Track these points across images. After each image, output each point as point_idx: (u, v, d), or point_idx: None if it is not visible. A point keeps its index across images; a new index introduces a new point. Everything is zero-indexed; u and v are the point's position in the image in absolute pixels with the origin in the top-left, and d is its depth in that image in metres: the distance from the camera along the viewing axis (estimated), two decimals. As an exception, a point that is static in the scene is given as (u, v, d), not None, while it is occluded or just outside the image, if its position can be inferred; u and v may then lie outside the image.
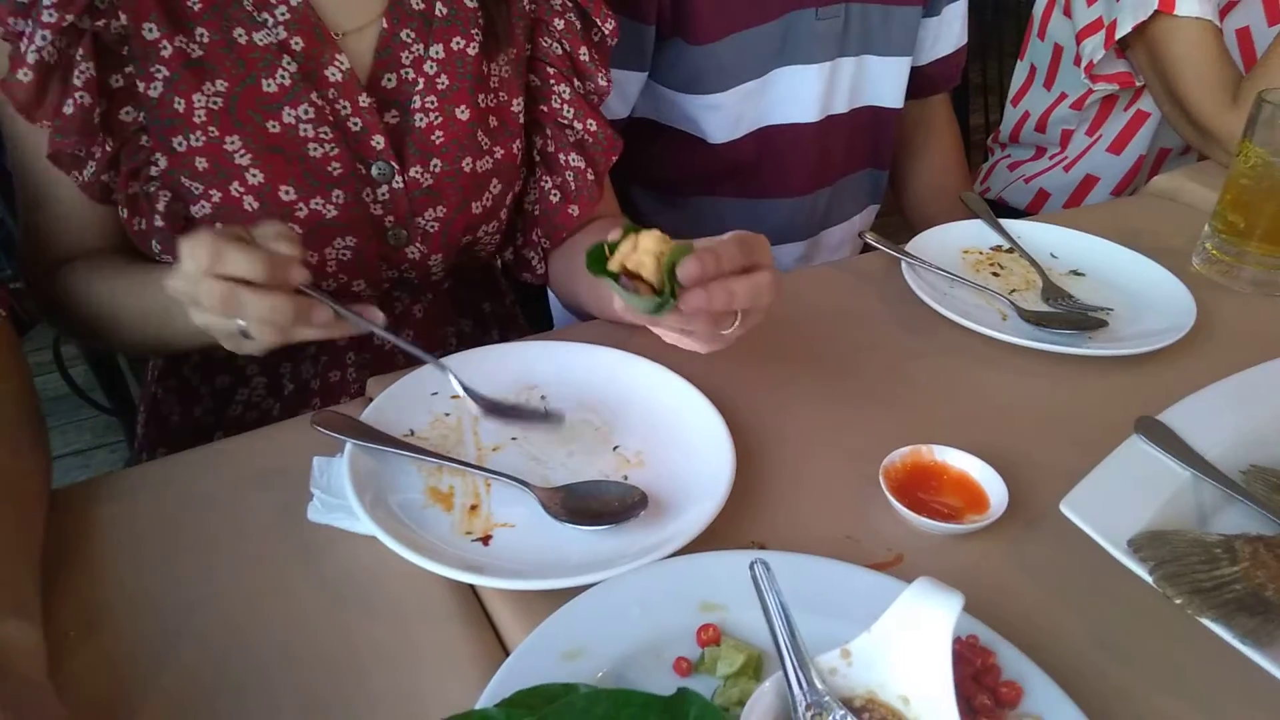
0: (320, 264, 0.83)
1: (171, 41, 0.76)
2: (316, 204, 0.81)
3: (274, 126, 0.78)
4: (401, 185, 0.84)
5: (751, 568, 0.50)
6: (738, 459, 0.69)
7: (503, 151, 0.90)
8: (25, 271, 0.88)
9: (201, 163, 0.78)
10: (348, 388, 0.94)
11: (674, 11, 1.08)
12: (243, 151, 0.78)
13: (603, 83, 0.94)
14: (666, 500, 0.66)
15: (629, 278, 0.65)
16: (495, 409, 0.72)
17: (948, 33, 1.32)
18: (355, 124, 0.82)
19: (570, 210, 0.95)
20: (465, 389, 0.71)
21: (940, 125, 1.44)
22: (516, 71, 0.91)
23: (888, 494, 0.66)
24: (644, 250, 0.64)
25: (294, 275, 0.63)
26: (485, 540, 0.64)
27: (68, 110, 0.75)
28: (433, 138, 0.85)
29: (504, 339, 1.07)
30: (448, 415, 0.75)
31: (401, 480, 0.68)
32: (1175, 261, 0.98)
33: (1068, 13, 1.41)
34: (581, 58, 0.92)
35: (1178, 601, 0.57)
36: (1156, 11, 1.21)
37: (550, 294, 1.33)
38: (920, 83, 1.32)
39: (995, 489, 0.67)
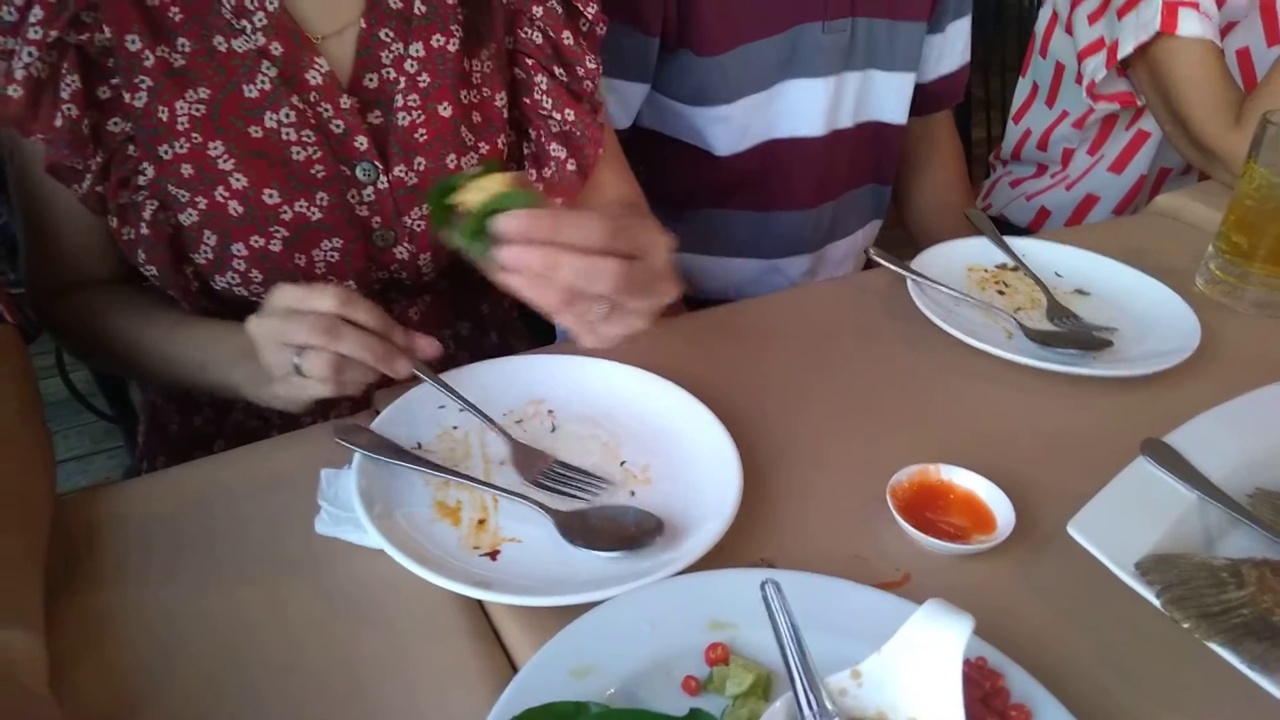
0: (308, 266, 0.83)
1: (154, 52, 0.76)
2: (300, 206, 0.81)
3: (256, 131, 0.79)
4: (386, 185, 0.84)
5: (762, 588, 0.50)
6: (744, 475, 0.69)
7: (488, 148, 0.90)
8: (32, 289, 0.90)
9: (187, 169, 0.78)
10: (348, 399, 0.93)
11: (680, 23, 1.08)
12: (226, 157, 0.78)
13: (591, 65, 0.93)
14: (674, 517, 0.66)
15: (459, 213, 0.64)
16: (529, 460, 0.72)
17: (951, 50, 1.33)
18: (338, 126, 0.82)
19: (554, 203, 0.94)
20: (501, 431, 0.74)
21: (943, 142, 1.44)
22: (499, 66, 0.90)
23: (895, 513, 0.66)
24: (478, 188, 0.63)
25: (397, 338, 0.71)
26: (493, 555, 0.63)
27: (58, 123, 0.76)
28: (416, 136, 0.85)
29: (502, 341, 1.07)
30: (455, 429, 0.75)
31: (409, 494, 0.68)
32: (1179, 281, 0.98)
33: (1069, 31, 1.42)
34: (565, 42, 0.92)
35: (1185, 625, 0.57)
36: (1158, 32, 1.22)
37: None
38: (924, 99, 1.32)
39: (1002, 509, 0.68)
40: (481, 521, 0.66)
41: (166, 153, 0.78)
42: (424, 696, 0.55)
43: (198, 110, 0.78)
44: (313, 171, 0.81)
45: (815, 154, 1.21)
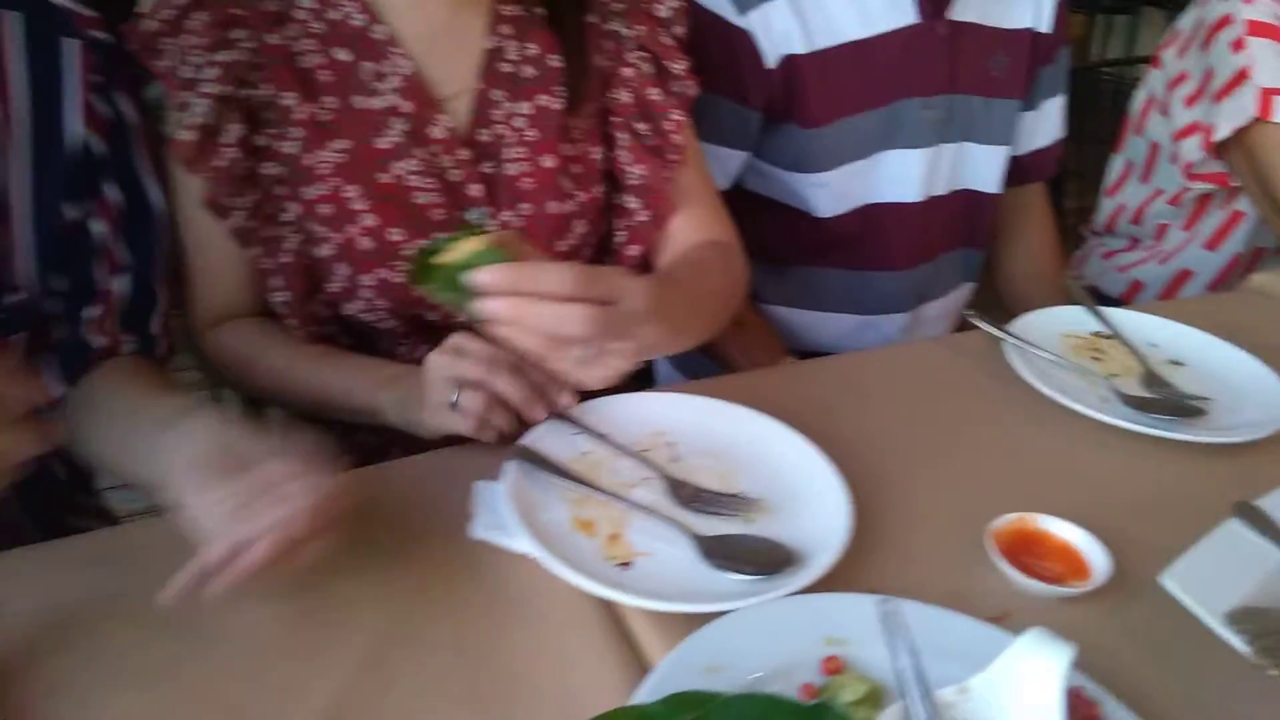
0: (424, 299, 0.91)
1: (305, 108, 0.88)
2: (421, 243, 0.89)
3: (386, 178, 0.90)
4: (496, 228, 0.93)
5: (883, 605, 0.56)
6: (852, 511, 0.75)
7: (585, 196, 0.99)
8: (195, 327, 0.98)
9: (326, 209, 0.89)
10: None
11: (786, 99, 1.16)
12: (360, 199, 0.89)
13: (676, 118, 1.00)
14: (787, 545, 0.72)
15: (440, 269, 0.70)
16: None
17: (1045, 126, 1.39)
18: (455, 175, 0.92)
19: (629, 250, 1.02)
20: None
21: (1036, 212, 1.49)
22: (595, 123, 1.00)
23: (995, 554, 0.72)
24: (457, 248, 0.69)
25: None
26: (625, 565, 0.71)
27: (220, 164, 0.87)
28: (522, 184, 0.95)
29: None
30: (586, 454, 0.83)
31: (551, 508, 0.75)
32: (1274, 357, 1.02)
33: (1165, 113, 1.46)
34: (652, 97, 1.00)
35: (1272, 673, 0.61)
36: (1255, 118, 1.26)
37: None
38: (1018, 171, 1.38)
39: (1098, 558, 0.72)
40: (614, 536, 0.73)
41: (309, 194, 0.89)
42: (573, 679, 0.62)
43: (338, 159, 0.89)
44: (432, 214, 0.92)
45: (911, 218, 1.28)
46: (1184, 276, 1.52)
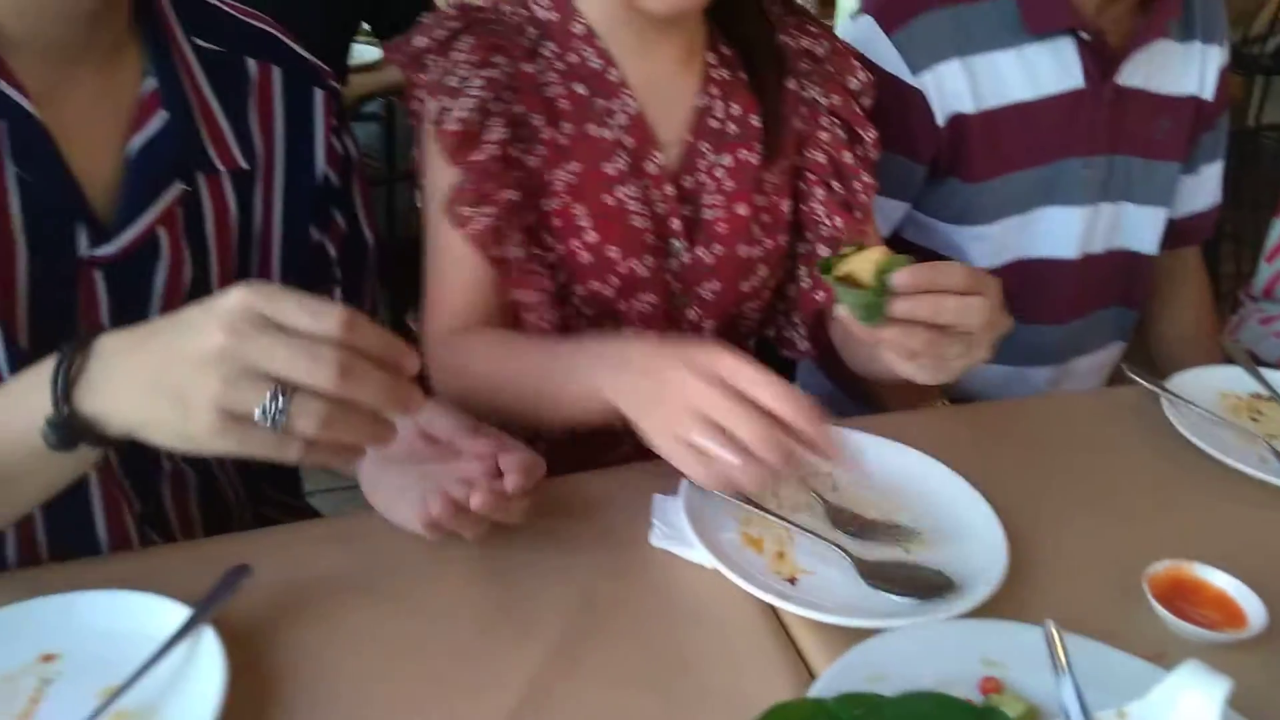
0: (628, 310, 1.03)
1: (548, 130, 0.99)
2: (632, 263, 1.01)
3: (609, 200, 1.00)
4: (689, 261, 1.04)
5: (1047, 625, 0.60)
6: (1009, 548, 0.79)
7: (771, 243, 1.07)
8: (425, 336, 1.03)
9: (556, 222, 1.00)
10: None
11: (952, 154, 1.22)
12: (585, 217, 0.99)
13: (866, 181, 1.08)
14: (945, 573, 0.77)
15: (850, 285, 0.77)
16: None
17: (1203, 190, 1.40)
18: (661, 208, 1.02)
19: (816, 295, 1.09)
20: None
21: (1191, 275, 1.49)
22: (787, 178, 1.08)
23: (1151, 597, 0.75)
24: (864, 259, 0.77)
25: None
26: (792, 581, 0.77)
27: (480, 158, 0.95)
28: (717, 228, 1.04)
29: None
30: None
31: (721, 523, 0.82)
32: None
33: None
34: (845, 160, 1.08)
35: None
36: None
37: (798, 378, 1.46)
38: (1175, 234, 1.39)
39: (1253, 607, 0.74)
40: (780, 554, 0.80)
41: (545, 206, 0.99)
42: (742, 677, 0.68)
43: (570, 179, 0.99)
44: (645, 239, 1.02)
45: (1067, 274, 1.30)
46: (1349, 345, 1.48)
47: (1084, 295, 1.35)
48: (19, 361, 0.80)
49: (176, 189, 0.85)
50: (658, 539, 0.81)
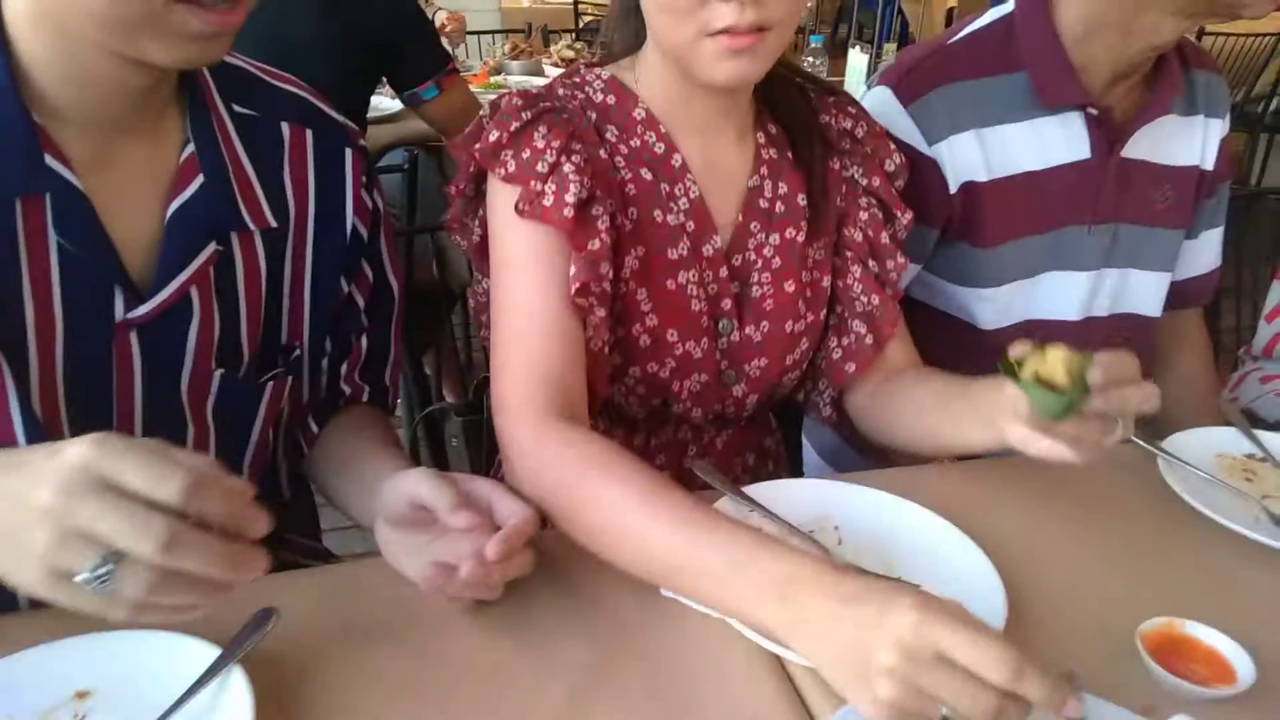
0: (679, 390, 1.07)
1: (619, 215, 1.00)
2: (689, 345, 1.04)
3: (671, 285, 1.02)
4: (739, 339, 1.07)
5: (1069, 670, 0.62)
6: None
7: (813, 317, 1.11)
8: (506, 408, 0.92)
9: (619, 306, 1.01)
10: None
11: (963, 220, 1.26)
12: (647, 301, 1.02)
13: (900, 260, 1.13)
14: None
15: (1042, 385, 0.81)
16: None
17: (1204, 253, 1.44)
18: (714, 289, 1.05)
19: (847, 368, 1.13)
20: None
21: (1192, 336, 1.53)
22: (828, 254, 1.12)
23: (1144, 653, 0.77)
24: (1054, 360, 0.80)
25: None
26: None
27: (596, 247, 0.94)
28: (765, 305, 1.07)
29: (775, 471, 1.25)
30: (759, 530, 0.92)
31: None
32: None
33: (1331, 244, 1.49)
34: (882, 240, 1.12)
35: None
36: None
37: (805, 440, 1.50)
38: (1175, 295, 1.43)
39: (1243, 665, 0.77)
40: (785, 604, 0.82)
41: (610, 288, 0.98)
42: (743, 713, 0.71)
43: (634, 264, 1.01)
44: (701, 321, 1.05)
45: (1070, 336, 1.33)
46: (1345, 405, 1.51)
47: (1088, 357, 1.38)
48: (52, 432, 0.84)
49: (210, 250, 0.89)
50: (668, 589, 0.84)
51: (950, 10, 5.10)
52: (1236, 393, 1.70)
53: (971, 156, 1.24)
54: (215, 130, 0.90)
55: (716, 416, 1.14)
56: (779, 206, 1.08)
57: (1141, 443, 1.07)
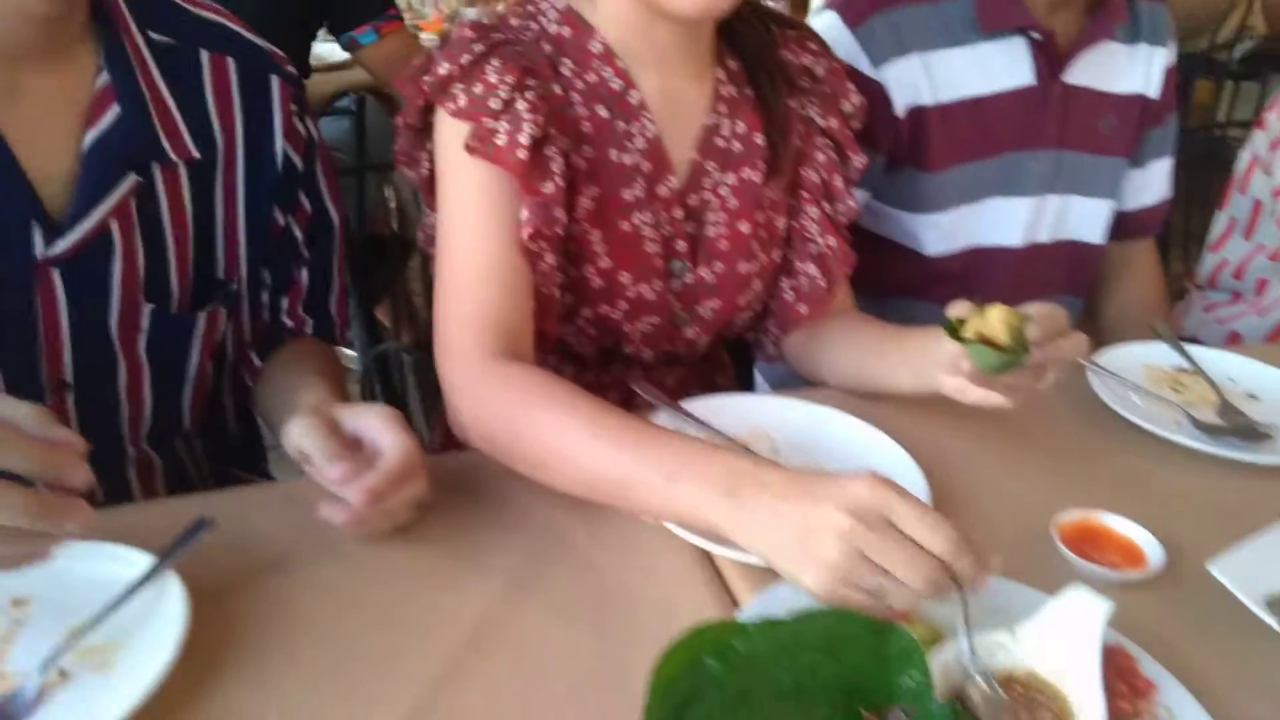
0: (632, 332, 1.06)
1: (573, 153, 0.97)
2: (642, 288, 1.03)
3: (625, 226, 1.00)
4: (692, 280, 1.06)
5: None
6: (931, 502, 0.84)
7: (766, 258, 1.11)
8: (449, 351, 0.91)
9: (572, 247, 0.99)
10: None
11: (910, 145, 1.28)
12: (601, 243, 1.00)
13: (852, 204, 1.14)
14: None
15: (984, 343, 0.83)
16: None
17: (1152, 185, 1.46)
18: (668, 230, 1.04)
19: (800, 309, 1.13)
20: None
21: (1142, 267, 1.56)
22: (784, 194, 1.12)
23: (1057, 541, 0.80)
24: (995, 319, 0.82)
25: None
26: (725, 531, 0.81)
27: (550, 191, 0.92)
28: (719, 245, 1.06)
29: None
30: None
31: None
32: (1353, 398, 1.07)
33: (1268, 172, 1.51)
34: (835, 184, 1.12)
35: (1304, 648, 0.68)
36: (1352, 174, 1.31)
37: (757, 374, 1.52)
38: (1125, 226, 1.46)
39: (1154, 552, 0.80)
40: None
41: (563, 230, 0.96)
42: (678, 622, 0.73)
43: (589, 204, 0.98)
44: (655, 263, 1.03)
45: (1013, 263, 1.36)
46: (1283, 329, 1.55)
47: (1030, 283, 1.40)
48: None
49: (129, 181, 0.88)
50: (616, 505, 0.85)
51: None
52: (1182, 323, 1.73)
53: (917, 80, 1.25)
54: (131, 59, 0.88)
55: (668, 356, 1.14)
56: (736, 146, 1.06)
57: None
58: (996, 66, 1.27)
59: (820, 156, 1.11)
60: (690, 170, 1.04)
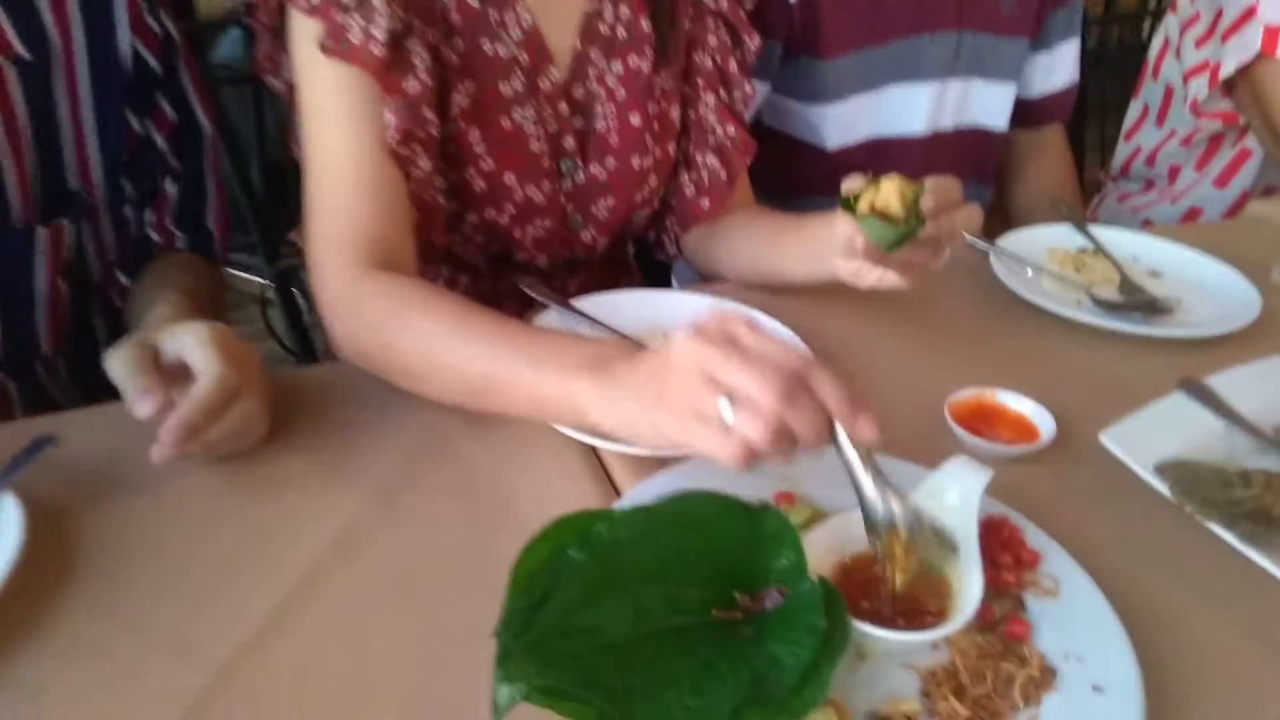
0: (523, 238, 1.01)
1: (443, 47, 0.90)
2: (530, 190, 0.97)
3: (506, 124, 0.94)
4: (583, 179, 1.00)
5: (833, 424, 0.60)
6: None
7: (660, 151, 1.05)
8: (319, 266, 0.85)
9: (450, 148, 0.93)
10: None
11: (805, 30, 1.23)
12: (481, 142, 0.94)
13: (748, 90, 1.09)
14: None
15: (879, 217, 0.80)
16: None
17: (1059, 69, 1.43)
18: (554, 127, 0.97)
19: (702, 203, 1.09)
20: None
21: (1053, 154, 1.53)
22: (676, 83, 1.06)
23: (949, 419, 0.78)
24: (888, 190, 0.79)
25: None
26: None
27: (414, 89, 0.86)
28: (609, 140, 1.00)
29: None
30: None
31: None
32: (1255, 273, 1.06)
33: (1179, 55, 1.49)
34: (731, 69, 1.07)
35: (1188, 509, 0.67)
36: (1259, 54, 1.29)
37: (673, 277, 1.48)
38: (1033, 113, 1.43)
39: (1046, 425, 0.78)
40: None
41: (440, 131, 0.90)
42: (561, 507, 0.70)
43: (464, 101, 0.92)
44: (542, 163, 0.97)
45: (918, 152, 1.33)
46: (1193, 215, 1.55)
47: (935, 171, 1.37)
48: None
49: None
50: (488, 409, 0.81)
51: None
52: (1096, 214, 1.73)
53: None
54: None
55: (567, 262, 1.09)
56: (621, 32, 1.00)
57: (974, 241, 1.08)
58: None
59: (712, 40, 1.06)
60: (573, 60, 0.98)
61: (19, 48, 0.84)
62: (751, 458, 0.56)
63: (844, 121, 1.29)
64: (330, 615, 0.63)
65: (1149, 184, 1.64)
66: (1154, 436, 0.74)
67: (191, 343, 0.71)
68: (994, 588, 0.61)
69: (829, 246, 0.88)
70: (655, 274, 1.42)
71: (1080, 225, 1.14)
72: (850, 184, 0.83)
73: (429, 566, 0.67)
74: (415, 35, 0.86)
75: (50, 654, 0.59)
